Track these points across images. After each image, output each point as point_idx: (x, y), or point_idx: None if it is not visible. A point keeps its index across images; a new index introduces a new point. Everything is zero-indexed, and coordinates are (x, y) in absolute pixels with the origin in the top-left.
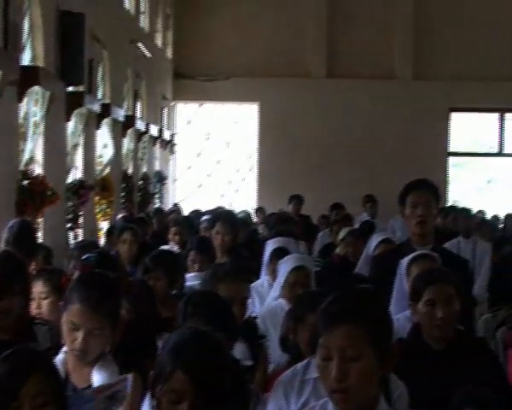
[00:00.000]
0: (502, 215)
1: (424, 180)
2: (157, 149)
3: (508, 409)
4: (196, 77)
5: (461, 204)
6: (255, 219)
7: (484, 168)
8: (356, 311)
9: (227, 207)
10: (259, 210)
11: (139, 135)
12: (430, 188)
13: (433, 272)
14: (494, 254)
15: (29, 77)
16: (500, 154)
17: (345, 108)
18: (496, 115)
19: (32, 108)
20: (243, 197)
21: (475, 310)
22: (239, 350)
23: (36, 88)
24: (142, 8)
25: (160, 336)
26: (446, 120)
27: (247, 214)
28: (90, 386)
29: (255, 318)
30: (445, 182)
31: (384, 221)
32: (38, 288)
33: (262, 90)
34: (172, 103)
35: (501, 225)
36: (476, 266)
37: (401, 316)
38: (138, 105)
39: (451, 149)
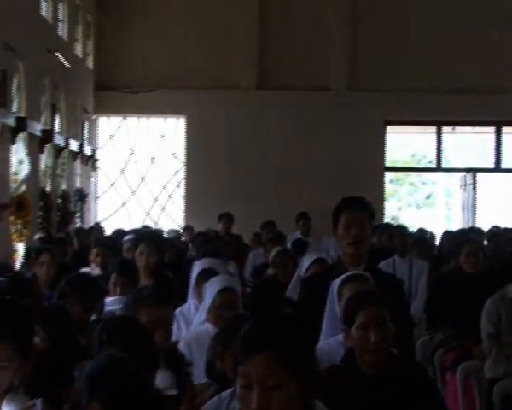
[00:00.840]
0: (440, 231)
1: (358, 199)
2: (77, 165)
3: None
4: (119, 89)
5: (399, 221)
6: (184, 239)
7: (423, 183)
8: (276, 338)
9: (153, 226)
10: (187, 229)
11: (58, 150)
12: (364, 207)
13: (365, 294)
14: (431, 274)
15: None
16: (438, 168)
17: (277, 121)
18: (433, 128)
19: None
20: (170, 216)
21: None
22: (163, 379)
23: None
24: (60, 16)
25: (77, 365)
26: (382, 133)
27: (176, 233)
28: None
29: (177, 343)
30: (381, 198)
31: (319, 239)
32: None
33: (189, 102)
34: (94, 117)
35: (438, 243)
36: (413, 285)
37: (333, 340)
38: (57, 119)
39: (390, 163)
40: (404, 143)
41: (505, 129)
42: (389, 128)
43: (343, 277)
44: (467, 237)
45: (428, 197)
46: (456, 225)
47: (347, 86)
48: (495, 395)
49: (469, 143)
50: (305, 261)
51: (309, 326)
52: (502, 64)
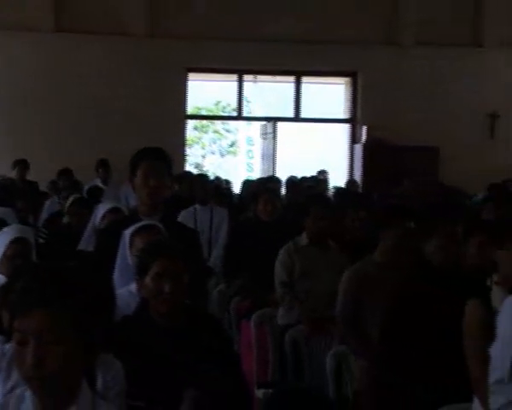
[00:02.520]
0: (240, 180)
1: (157, 149)
2: None
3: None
4: None
5: (203, 168)
6: None
7: (227, 131)
8: (55, 291)
9: None
10: None
11: None
12: (163, 157)
13: (159, 245)
14: (231, 222)
15: None
16: (239, 117)
17: (75, 66)
18: (235, 77)
19: None
20: None
21: (211, 281)
22: None
23: None
24: None
25: None
26: (183, 80)
27: None
28: None
29: None
30: (182, 146)
31: (117, 187)
32: None
33: None
34: None
35: (238, 192)
36: (213, 234)
37: (125, 290)
38: None
39: (194, 111)
40: (209, 91)
41: (305, 79)
42: (192, 76)
43: (135, 226)
44: (265, 186)
45: (232, 145)
46: (256, 173)
47: (147, 32)
48: (286, 341)
49: (270, 93)
50: (100, 209)
51: (101, 278)
52: (304, 14)
